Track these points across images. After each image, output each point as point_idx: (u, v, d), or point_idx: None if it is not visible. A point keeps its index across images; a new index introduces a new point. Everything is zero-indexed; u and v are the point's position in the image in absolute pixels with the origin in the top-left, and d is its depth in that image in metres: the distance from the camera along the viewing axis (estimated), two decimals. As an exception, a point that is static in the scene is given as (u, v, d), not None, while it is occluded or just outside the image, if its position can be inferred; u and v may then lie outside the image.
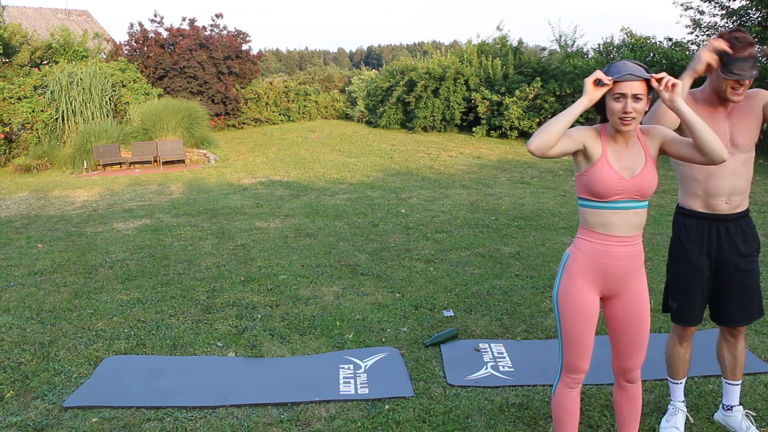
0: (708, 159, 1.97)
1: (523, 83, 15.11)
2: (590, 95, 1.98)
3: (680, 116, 1.97)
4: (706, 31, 12.45)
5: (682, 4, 12.50)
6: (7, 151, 14.43)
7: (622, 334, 2.17)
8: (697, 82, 2.46)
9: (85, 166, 13.20)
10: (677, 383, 2.68)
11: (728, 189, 2.40)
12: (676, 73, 12.42)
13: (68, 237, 6.79)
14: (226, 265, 5.41)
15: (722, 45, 2.24)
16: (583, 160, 2.08)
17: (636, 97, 1.95)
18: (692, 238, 2.48)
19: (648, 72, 1.98)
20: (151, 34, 18.71)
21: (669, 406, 2.69)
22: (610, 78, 1.96)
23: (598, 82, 1.98)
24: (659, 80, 1.95)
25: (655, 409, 2.83)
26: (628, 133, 2.05)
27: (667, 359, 2.68)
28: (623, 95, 1.95)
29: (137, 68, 17.41)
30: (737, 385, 2.64)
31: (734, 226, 2.46)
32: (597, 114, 2.13)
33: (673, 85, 1.95)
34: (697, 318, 2.54)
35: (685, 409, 2.68)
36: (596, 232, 2.09)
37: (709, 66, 2.32)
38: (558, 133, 1.95)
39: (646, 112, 2.03)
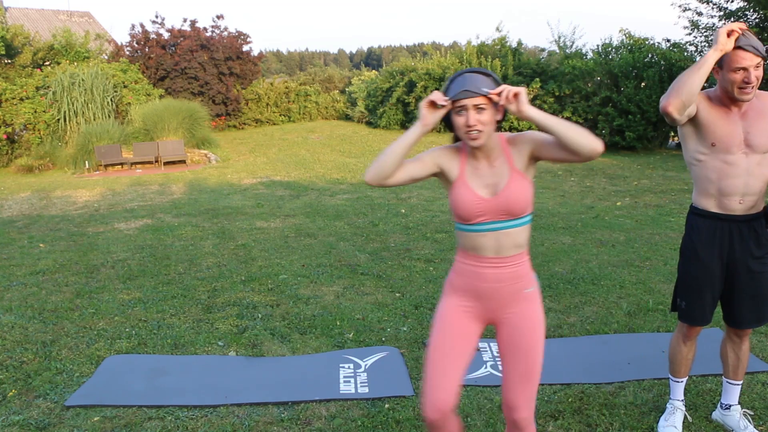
0: (583, 156, 1.80)
1: (523, 84, 15.13)
2: (424, 119, 1.83)
3: (534, 123, 1.83)
4: (704, 32, 12.47)
5: (680, 6, 12.54)
6: (10, 151, 14.47)
7: (507, 363, 1.99)
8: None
9: (87, 167, 13.23)
10: (678, 382, 2.69)
11: (742, 189, 2.37)
12: (675, 73, 12.44)
13: (70, 237, 6.82)
14: (226, 265, 5.43)
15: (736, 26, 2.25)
16: (445, 182, 1.96)
17: (478, 108, 1.80)
18: (704, 239, 2.46)
19: (496, 80, 1.86)
20: (153, 35, 18.74)
21: (668, 405, 2.71)
22: (446, 98, 1.82)
23: (436, 105, 1.82)
24: (498, 94, 1.81)
25: (654, 408, 2.84)
26: (489, 148, 1.89)
27: (670, 357, 2.69)
28: (464, 108, 1.81)
29: (138, 69, 17.44)
30: (738, 385, 2.65)
31: (747, 227, 2.42)
32: (450, 132, 1.95)
33: (516, 95, 1.79)
34: (707, 318, 2.54)
35: (684, 408, 2.69)
36: (468, 254, 1.96)
37: (715, 68, 2.32)
38: (393, 162, 1.82)
39: (499, 122, 1.88)
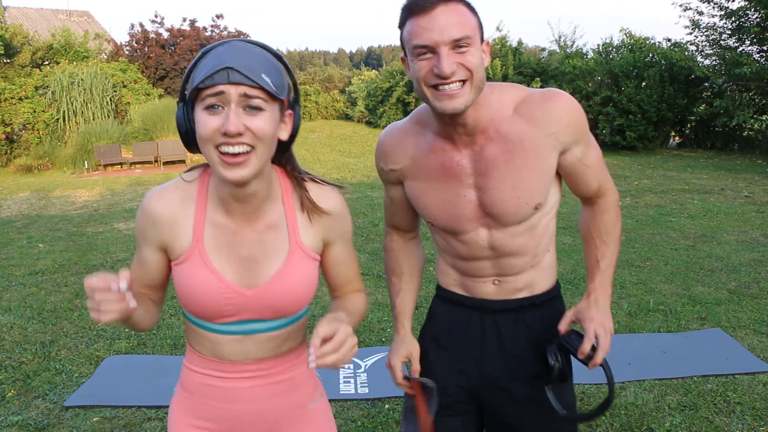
0: None
1: (523, 83, 15.13)
2: None
3: None
4: (705, 31, 12.45)
5: (681, 5, 12.51)
6: (9, 151, 14.46)
7: None
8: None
9: (86, 167, 13.23)
10: None
11: (492, 270, 1.42)
12: (676, 73, 12.42)
13: (69, 237, 6.81)
14: (226, 265, 5.42)
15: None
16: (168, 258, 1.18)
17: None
18: (444, 339, 1.48)
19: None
20: (152, 35, 18.75)
21: None
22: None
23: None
24: None
25: (655, 408, 2.83)
26: (257, 192, 1.10)
27: None
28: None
29: (138, 69, 17.44)
30: None
31: (513, 321, 1.40)
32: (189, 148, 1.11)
33: None
34: None
35: None
36: (205, 357, 1.21)
37: (404, 60, 1.24)
38: None
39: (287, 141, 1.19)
